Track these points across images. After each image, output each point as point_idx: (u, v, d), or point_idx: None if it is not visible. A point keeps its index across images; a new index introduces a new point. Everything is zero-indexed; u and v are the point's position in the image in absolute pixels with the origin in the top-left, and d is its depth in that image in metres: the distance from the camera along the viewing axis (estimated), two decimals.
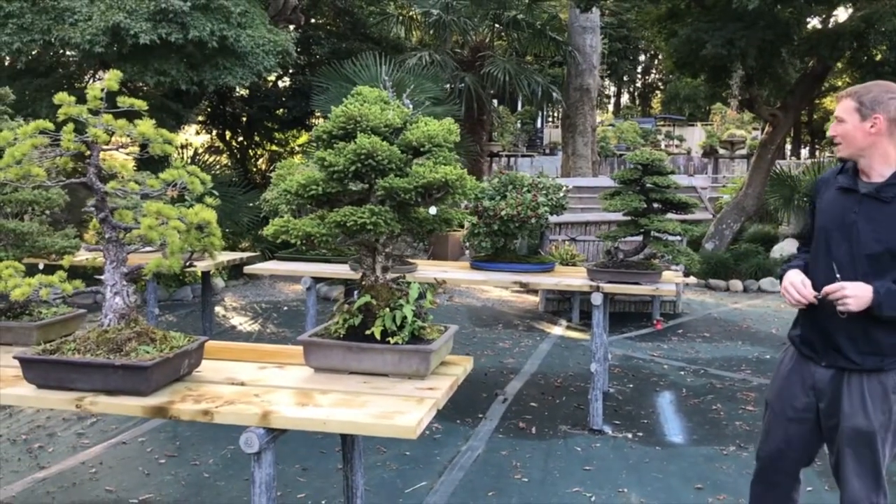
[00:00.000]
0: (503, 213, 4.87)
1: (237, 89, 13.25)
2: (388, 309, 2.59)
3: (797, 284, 2.40)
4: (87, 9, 7.26)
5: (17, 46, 7.16)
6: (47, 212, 3.31)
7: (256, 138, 15.38)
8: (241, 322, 7.79)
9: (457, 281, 5.24)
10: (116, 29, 7.05)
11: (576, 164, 14.26)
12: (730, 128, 21.19)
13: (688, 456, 4.27)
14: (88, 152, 2.48)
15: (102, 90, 2.41)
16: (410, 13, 14.06)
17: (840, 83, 17.02)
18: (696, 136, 25.92)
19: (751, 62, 9.15)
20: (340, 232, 2.51)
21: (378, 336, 2.54)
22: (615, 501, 3.67)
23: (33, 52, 7.67)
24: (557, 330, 7.50)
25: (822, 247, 2.45)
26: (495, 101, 17.51)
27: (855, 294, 2.26)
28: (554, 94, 13.57)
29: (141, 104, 2.51)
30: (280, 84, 15.18)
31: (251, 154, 15.32)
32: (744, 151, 20.56)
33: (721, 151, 21.29)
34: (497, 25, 13.41)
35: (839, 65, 11.02)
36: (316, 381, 2.53)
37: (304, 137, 15.96)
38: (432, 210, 2.56)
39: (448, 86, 12.40)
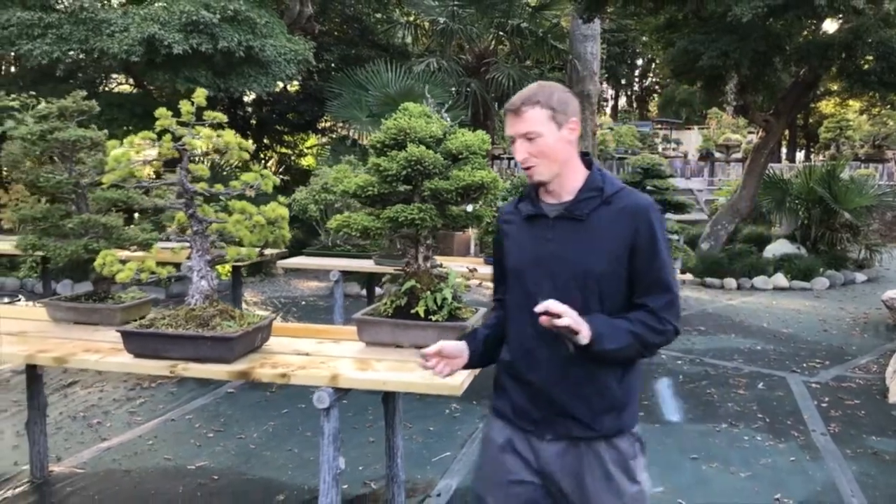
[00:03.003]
0: None
1: (248, 94, 13.72)
2: (429, 292, 3.05)
3: (425, 364, 1.99)
4: (123, 20, 7.72)
5: (57, 55, 7.62)
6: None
7: (266, 141, 15.84)
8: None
9: (481, 276, 5.68)
10: (151, 40, 7.52)
11: None
12: (725, 132, 21.71)
13: (684, 432, 4.73)
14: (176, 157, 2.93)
15: (193, 104, 2.86)
16: (417, 21, 14.53)
17: (836, 87, 17.47)
18: (692, 140, 26.41)
19: (744, 71, 9.64)
20: (391, 226, 2.97)
21: (422, 314, 2.99)
22: None
23: (67, 60, 8.11)
24: None
25: (519, 291, 1.99)
26: (497, 105, 18.00)
27: (579, 322, 1.79)
28: None
29: (222, 117, 2.96)
30: (289, 89, 15.64)
31: (262, 156, 15.76)
32: (739, 155, 21.06)
33: (717, 155, 21.80)
34: (501, 33, 13.87)
35: (832, 71, 11.50)
36: (369, 353, 2.99)
37: (312, 140, 16.41)
38: (469, 207, 3.02)
39: (454, 91, 12.87)
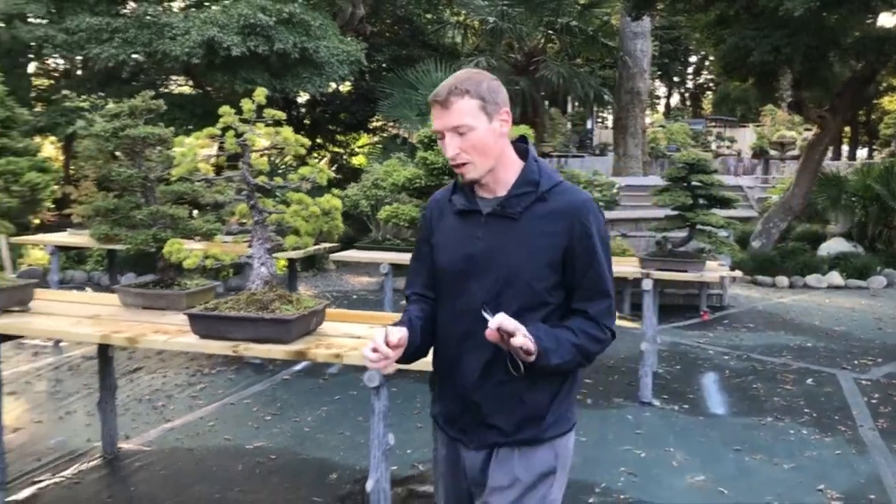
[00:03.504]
0: None
1: (302, 94, 14.08)
2: None
3: (376, 340, 1.70)
4: (184, 24, 8.07)
5: (122, 58, 8.01)
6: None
7: (319, 140, 16.19)
8: None
9: None
10: (211, 42, 7.84)
11: (626, 165, 14.69)
12: (780, 129, 21.30)
13: (729, 424, 4.77)
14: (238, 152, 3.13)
15: (254, 103, 3.06)
16: (467, 21, 14.68)
17: None
18: (746, 138, 25.98)
19: (797, 67, 9.52)
20: None
21: None
22: (663, 457, 4.21)
23: (132, 63, 8.51)
24: None
25: (448, 292, 1.86)
26: (546, 103, 18.04)
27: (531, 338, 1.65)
28: (605, 97, 14.05)
29: (281, 115, 3.15)
30: (342, 89, 15.96)
31: (315, 155, 16.13)
32: (794, 152, 20.64)
33: (771, 153, 21.41)
34: (550, 31, 13.93)
35: (889, 66, 11.25)
36: None
37: (363, 139, 16.71)
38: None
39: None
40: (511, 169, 1.82)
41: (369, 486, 2.87)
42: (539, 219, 1.77)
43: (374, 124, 16.43)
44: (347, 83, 15.82)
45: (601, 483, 3.86)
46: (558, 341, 1.72)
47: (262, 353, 2.98)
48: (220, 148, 3.08)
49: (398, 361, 1.81)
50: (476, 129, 1.74)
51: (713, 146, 25.54)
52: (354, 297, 9.29)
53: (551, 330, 1.74)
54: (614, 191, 5.57)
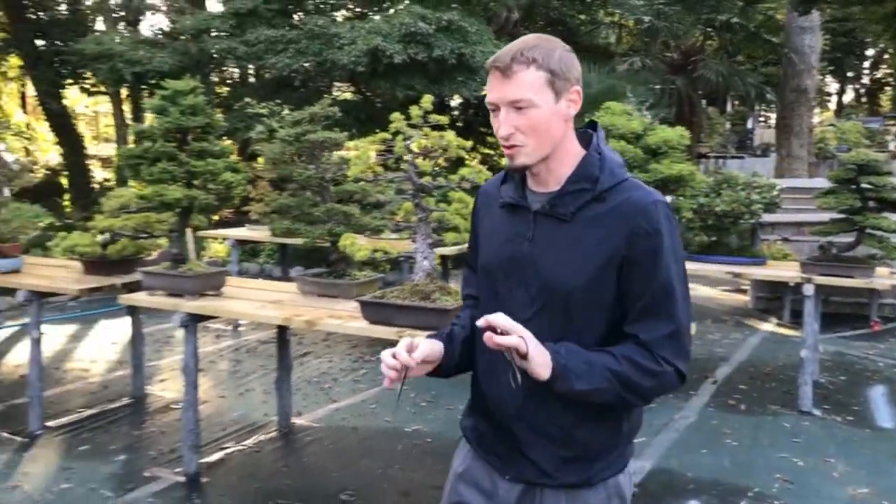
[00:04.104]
0: (718, 209, 5.34)
1: (455, 97, 14.48)
2: None
3: (398, 347, 1.50)
4: (351, 34, 8.63)
5: (295, 67, 8.69)
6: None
7: (470, 142, 16.54)
8: None
9: None
10: (375, 51, 8.34)
11: (790, 166, 13.96)
12: None
13: None
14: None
15: (421, 109, 3.31)
16: (621, 20, 14.52)
17: None
18: None
19: None
20: None
21: None
22: (822, 467, 4.08)
23: (301, 71, 9.19)
24: (767, 327, 7.71)
25: (489, 295, 1.61)
26: (704, 103, 17.46)
27: (536, 350, 1.40)
28: (768, 96, 13.44)
29: (444, 120, 3.39)
30: None
31: (467, 157, 16.50)
32: None
33: None
34: (709, 29, 13.51)
35: None
36: None
37: None
38: (668, 198, 3.21)
39: (658, 89, 12.75)
40: (568, 160, 1.52)
41: None
42: (594, 222, 1.48)
43: None
44: None
45: (754, 488, 3.81)
46: (589, 364, 1.44)
47: None
48: (389, 150, 3.36)
49: (434, 375, 1.64)
50: (539, 108, 1.44)
51: (891, 146, 23.61)
52: None
53: (584, 351, 1.46)
54: (775, 193, 5.40)
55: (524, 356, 1.38)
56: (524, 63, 1.43)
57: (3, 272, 4.63)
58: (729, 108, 24.56)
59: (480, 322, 1.40)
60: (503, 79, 1.45)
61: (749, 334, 7.32)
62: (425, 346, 1.52)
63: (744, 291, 9.25)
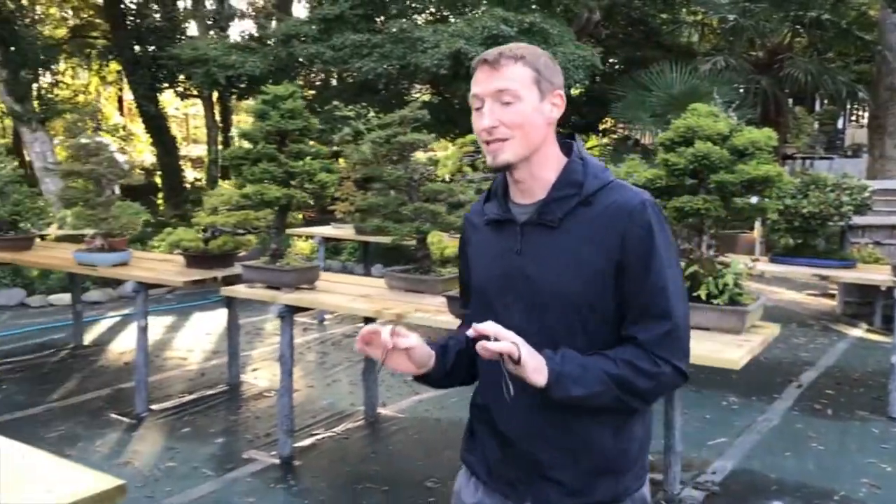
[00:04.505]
0: (805, 210, 5.26)
1: None
2: (711, 277, 3.31)
3: (383, 333, 1.45)
4: (434, 38, 8.83)
5: (379, 71, 8.94)
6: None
7: None
8: None
9: (758, 272, 5.71)
10: (457, 54, 8.51)
11: (883, 167, 13.43)
12: None
13: None
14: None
15: None
16: (704, 19, 14.27)
17: None
18: None
19: None
20: (677, 215, 3.29)
21: (703, 297, 3.27)
22: None
23: (385, 74, 9.44)
24: (856, 332, 7.50)
25: (486, 316, 1.45)
26: (791, 102, 16.94)
27: (529, 355, 1.37)
28: (860, 94, 12.96)
29: None
30: (573, 92, 16.19)
31: None
32: None
33: None
34: (797, 26, 13.13)
35: None
36: None
37: (592, 141, 16.82)
38: (753, 199, 3.23)
39: (742, 89, 12.48)
40: (552, 167, 1.52)
41: None
42: (584, 226, 1.47)
43: (604, 126, 16.48)
44: (578, 86, 16.05)
45: (840, 491, 3.78)
46: (585, 368, 1.42)
47: None
48: (477, 151, 3.50)
49: (423, 380, 1.63)
50: (524, 102, 1.45)
51: None
52: None
53: (579, 356, 1.44)
54: (866, 194, 5.29)
55: (517, 361, 1.34)
56: (512, 58, 1.45)
57: (114, 265, 4.99)
58: (818, 107, 23.73)
59: (470, 332, 1.36)
60: (491, 71, 1.46)
61: (837, 339, 7.14)
62: (413, 339, 1.48)
63: (831, 296, 9.00)
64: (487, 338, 1.34)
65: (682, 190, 3.37)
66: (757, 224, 7.73)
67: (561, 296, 1.47)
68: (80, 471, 1.79)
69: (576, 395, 1.40)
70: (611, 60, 14.59)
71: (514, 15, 8.78)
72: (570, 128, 16.06)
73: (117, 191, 5.27)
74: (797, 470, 4.05)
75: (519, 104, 1.44)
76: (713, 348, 2.99)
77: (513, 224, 1.54)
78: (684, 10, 15.12)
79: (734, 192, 3.19)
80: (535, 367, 1.36)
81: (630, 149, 10.58)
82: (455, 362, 1.63)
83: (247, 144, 4.05)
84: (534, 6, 10.50)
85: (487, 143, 1.48)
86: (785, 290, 9.85)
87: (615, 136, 15.67)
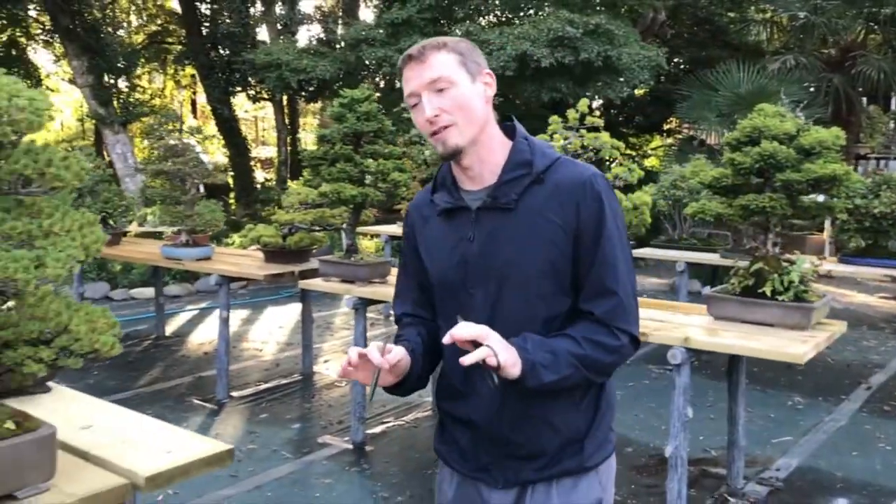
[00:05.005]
0: (876, 210, 5.21)
1: (597, 98, 14.52)
2: (776, 274, 3.37)
3: (370, 352, 1.45)
4: (500, 40, 8.97)
5: None
6: None
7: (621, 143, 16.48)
8: None
9: (825, 271, 5.67)
10: (523, 56, 8.63)
11: None
12: None
13: None
14: None
15: (577, 111, 3.56)
16: (773, 17, 14.02)
17: None
18: None
19: None
20: (742, 213, 3.36)
21: (768, 294, 3.33)
22: None
23: None
24: None
25: (449, 307, 1.57)
26: (864, 101, 16.46)
27: (505, 350, 1.40)
28: None
29: (599, 121, 3.62)
30: (637, 92, 16.10)
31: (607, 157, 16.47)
32: None
33: None
34: (871, 23, 12.79)
35: None
36: (717, 325, 3.41)
37: (656, 141, 16.70)
38: (820, 197, 3.28)
39: (812, 87, 12.23)
40: (498, 150, 1.54)
41: (668, 451, 3.22)
42: (539, 204, 1.50)
43: (669, 126, 16.33)
44: (643, 86, 15.96)
45: None
46: (554, 354, 1.44)
47: None
48: None
49: (394, 390, 1.61)
50: (458, 85, 1.47)
51: None
52: (644, 295, 9.50)
53: (546, 340, 1.46)
54: None
55: (497, 368, 1.37)
56: (435, 48, 1.49)
57: (197, 259, 5.30)
58: (894, 106, 22.95)
59: (445, 339, 1.39)
60: (419, 65, 1.48)
61: None
62: (399, 352, 1.50)
63: None
64: (469, 342, 1.38)
65: (747, 188, 3.44)
66: (826, 225, 7.63)
67: (523, 275, 1.49)
68: (192, 437, 2.01)
69: (548, 381, 1.43)
70: (676, 60, 14.46)
71: (579, 16, 8.85)
72: (635, 128, 15.98)
73: (202, 190, 5.57)
74: (864, 469, 4.05)
75: (453, 89, 1.47)
76: (777, 343, 3.05)
77: (467, 211, 1.55)
78: (752, 7, 14.87)
79: (800, 190, 3.24)
80: (512, 362, 1.39)
81: (695, 149, 10.50)
82: (421, 367, 1.62)
83: (317, 146, 4.26)
84: (598, 7, 10.53)
85: (434, 133, 1.50)
86: (856, 292, 9.65)
87: (680, 136, 15.50)
